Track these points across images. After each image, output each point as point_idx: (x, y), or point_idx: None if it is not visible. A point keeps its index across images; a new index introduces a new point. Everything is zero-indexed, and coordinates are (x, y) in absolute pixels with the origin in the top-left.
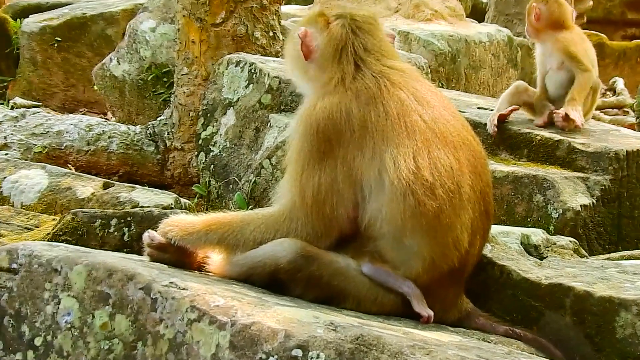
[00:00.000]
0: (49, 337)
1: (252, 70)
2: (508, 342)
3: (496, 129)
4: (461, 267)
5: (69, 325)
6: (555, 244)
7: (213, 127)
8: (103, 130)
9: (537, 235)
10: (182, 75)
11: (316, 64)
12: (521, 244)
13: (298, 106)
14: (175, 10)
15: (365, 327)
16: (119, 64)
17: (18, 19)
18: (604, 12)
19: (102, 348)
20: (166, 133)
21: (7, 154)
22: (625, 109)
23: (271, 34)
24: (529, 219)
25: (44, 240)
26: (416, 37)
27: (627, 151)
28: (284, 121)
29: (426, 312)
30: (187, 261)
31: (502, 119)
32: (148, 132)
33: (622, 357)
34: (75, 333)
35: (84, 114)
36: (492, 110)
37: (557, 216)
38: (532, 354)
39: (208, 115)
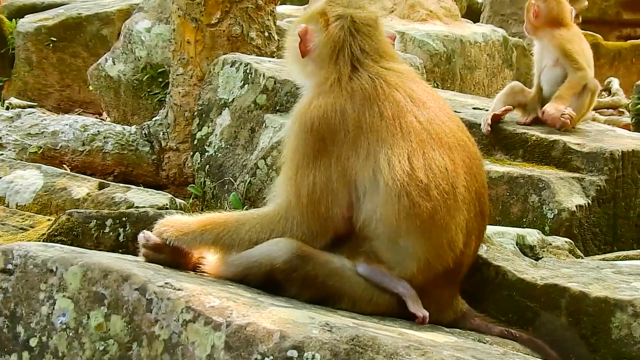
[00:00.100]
0: (44, 338)
1: (248, 71)
2: (503, 343)
3: (490, 129)
4: (456, 268)
5: (64, 326)
6: (550, 244)
7: (208, 127)
8: (98, 131)
9: (532, 235)
10: (177, 75)
11: (314, 62)
12: (516, 245)
13: (293, 106)
14: (170, 11)
15: (361, 327)
16: (114, 64)
17: (13, 19)
18: (599, 12)
19: (97, 349)
20: (161, 133)
21: (2, 154)
22: (621, 109)
23: (266, 34)
24: (524, 220)
25: (39, 241)
26: (411, 38)
27: (622, 151)
28: (279, 121)
29: (421, 312)
30: (183, 262)
31: (496, 119)
32: (143, 132)
33: (617, 358)
34: (71, 334)
35: (79, 114)
36: (487, 110)
37: (552, 216)
38: (528, 354)
39: (203, 115)
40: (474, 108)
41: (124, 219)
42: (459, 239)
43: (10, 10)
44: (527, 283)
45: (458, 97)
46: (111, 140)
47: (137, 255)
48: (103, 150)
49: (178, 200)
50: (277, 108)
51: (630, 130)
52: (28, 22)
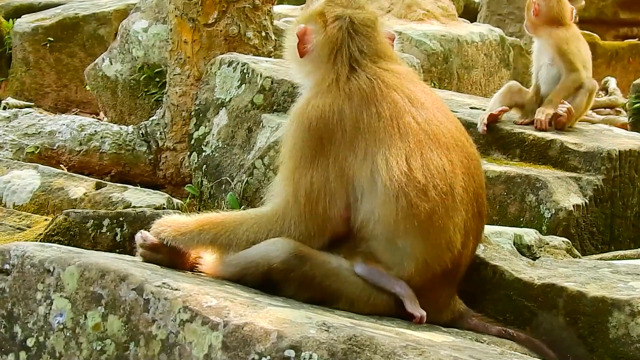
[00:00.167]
0: (41, 338)
1: (245, 71)
2: (501, 343)
3: (486, 128)
4: (454, 268)
5: (62, 326)
6: (548, 244)
7: (205, 127)
8: (95, 131)
9: (529, 235)
10: (174, 75)
11: (312, 63)
12: (514, 244)
13: (290, 106)
14: (167, 11)
15: (358, 327)
16: (112, 64)
17: (10, 19)
18: (597, 11)
19: (94, 349)
20: (158, 133)
21: None
22: (618, 109)
23: (263, 34)
24: (521, 219)
25: (36, 241)
26: (408, 37)
27: (619, 151)
28: (276, 121)
29: (419, 312)
30: (180, 261)
31: (493, 119)
32: (140, 132)
33: (615, 358)
34: (68, 334)
35: (76, 114)
36: (484, 110)
37: (549, 216)
38: (525, 354)
39: (200, 115)
40: (471, 108)
41: (121, 218)
42: (457, 239)
43: (7, 10)
44: (525, 283)
45: (455, 97)
46: (108, 140)
47: (134, 255)
48: (100, 150)
49: (175, 200)
50: (275, 108)
51: (627, 130)
52: (25, 22)
